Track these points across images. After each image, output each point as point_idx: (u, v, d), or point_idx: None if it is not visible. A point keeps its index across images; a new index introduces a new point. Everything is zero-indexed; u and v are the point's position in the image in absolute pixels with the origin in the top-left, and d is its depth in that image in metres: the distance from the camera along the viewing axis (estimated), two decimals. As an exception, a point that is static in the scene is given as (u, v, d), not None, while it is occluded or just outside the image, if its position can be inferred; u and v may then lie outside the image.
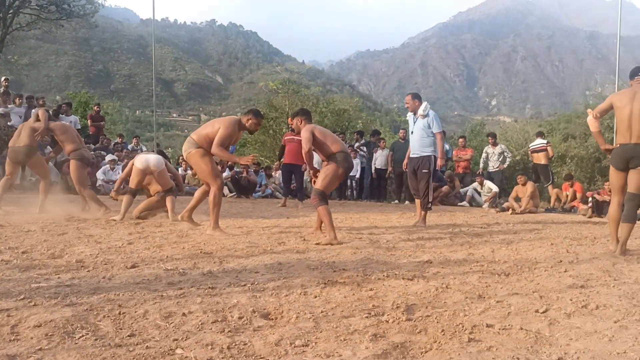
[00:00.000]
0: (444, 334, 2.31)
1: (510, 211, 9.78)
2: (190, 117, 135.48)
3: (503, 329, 2.39)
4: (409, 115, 7.18)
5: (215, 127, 5.48)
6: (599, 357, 2.07)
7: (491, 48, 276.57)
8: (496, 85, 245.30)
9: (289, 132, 10.44)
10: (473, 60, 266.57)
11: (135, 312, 2.52)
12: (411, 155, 7.11)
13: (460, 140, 13.40)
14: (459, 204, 11.74)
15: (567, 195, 11.34)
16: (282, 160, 10.47)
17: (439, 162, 6.98)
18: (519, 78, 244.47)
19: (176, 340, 2.16)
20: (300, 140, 9.24)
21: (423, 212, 6.99)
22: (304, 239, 5.19)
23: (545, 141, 12.03)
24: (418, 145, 6.99)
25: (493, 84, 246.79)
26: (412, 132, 7.08)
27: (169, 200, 6.84)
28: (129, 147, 14.13)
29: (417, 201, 7.15)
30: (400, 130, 13.31)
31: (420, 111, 6.91)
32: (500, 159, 12.21)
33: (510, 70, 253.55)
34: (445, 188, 11.84)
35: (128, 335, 2.20)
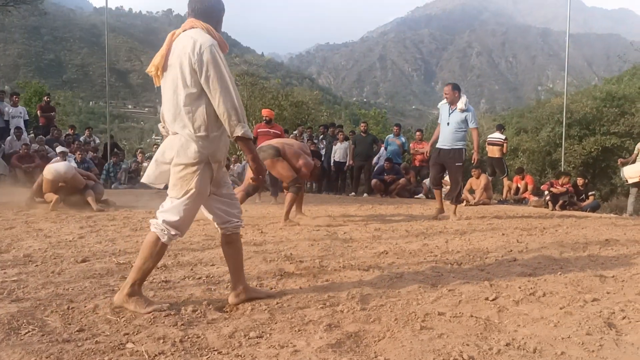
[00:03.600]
0: (397, 323, 2.34)
1: (464, 203, 9.99)
2: (146, 109, 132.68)
3: (454, 317, 2.45)
4: (443, 105, 6.97)
5: None
6: (545, 342, 2.15)
7: (447, 43, 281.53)
8: (452, 79, 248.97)
9: (262, 123, 9.71)
10: (430, 55, 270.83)
11: (85, 306, 2.46)
12: (441, 147, 6.92)
13: (418, 133, 13.57)
14: (416, 196, 11.91)
15: (517, 187, 11.67)
16: None
17: (475, 156, 6.97)
18: (474, 73, 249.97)
19: (127, 334, 2.12)
20: (276, 133, 9.21)
21: (454, 205, 7.05)
22: (262, 232, 5.17)
23: (503, 137, 12.28)
24: (451, 137, 6.81)
25: (449, 79, 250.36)
26: (447, 124, 6.84)
27: (88, 195, 7.02)
28: (81, 138, 13.71)
29: (437, 192, 7.20)
30: (361, 124, 13.35)
31: (461, 104, 6.75)
32: None
33: (465, 66, 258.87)
34: (402, 180, 12.00)
35: (77, 331, 2.14)
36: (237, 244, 2.67)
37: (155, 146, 15.82)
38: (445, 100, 6.93)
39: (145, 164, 12.54)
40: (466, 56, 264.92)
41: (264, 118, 9.67)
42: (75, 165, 7.41)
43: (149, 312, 2.39)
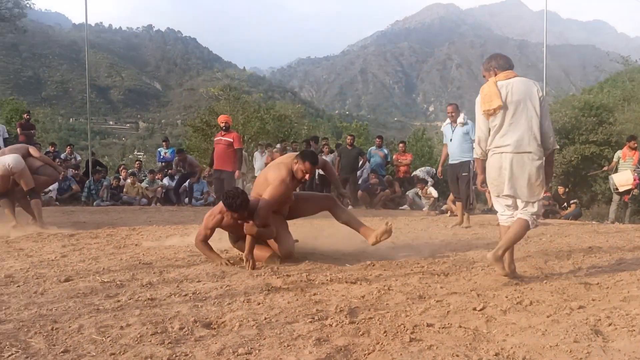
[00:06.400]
0: (386, 335, 2.34)
1: (448, 213, 10.05)
2: (127, 125, 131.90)
3: (443, 328, 2.45)
4: (446, 126, 7.63)
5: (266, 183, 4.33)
6: (533, 351, 2.16)
7: (427, 56, 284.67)
8: (433, 91, 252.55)
9: (220, 132, 8.95)
10: (411, 68, 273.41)
11: (70, 327, 2.41)
12: (451, 162, 7.58)
13: (400, 145, 13.67)
14: (400, 207, 11.96)
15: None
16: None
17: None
18: (455, 85, 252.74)
19: (113, 354, 2.08)
20: (228, 141, 8.57)
21: (467, 213, 7.55)
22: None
23: None
24: (458, 151, 7.41)
25: (430, 91, 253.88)
26: (450, 140, 7.48)
27: (34, 204, 6.42)
28: (62, 156, 13.56)
29: (458, 204, 7.73)
30: (348, 136, 13.38)
31: (460, 119, 7.34)
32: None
33: (446, 78, 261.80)
34: (386, 191, 12.05)
35: (62, 352, 2.10)
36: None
37: (137, 162, 15.68)
38: (447, 121, 7.59)
39: (128, 180, 12.43)
40: (446, 68, 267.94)
41: (221, 126, 8.87)
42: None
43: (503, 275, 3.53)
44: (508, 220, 3.70)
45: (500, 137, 3.56)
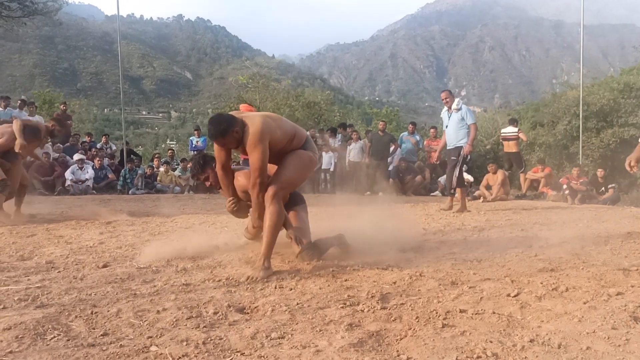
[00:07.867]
0: (418, 321, 2.33)
1: (481, 199, 9.93)
2: (160, 114, 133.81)
3: (476, 314, 2.43)
4: (444, 113, 7.64)
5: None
6: (570, 337, 2.12)
7: (459, 39, 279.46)
8: (465, 75, 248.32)
9: None
10: (442, 52, 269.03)
11: (108, 311, 2.48)
12: (448, 148, 7.58)
13: (432, 130, 13.52)
14: (432, 193, 11.86)
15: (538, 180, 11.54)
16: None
17: (465, 148, 7.38)
18: (487, 68, 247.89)
19: (150, 337, 2.14)
20: None
21: (450, 198, 7.58)
22: (279, 233, 5.16)
23: (516, 129, 12.15)
24: (453, 137, 7.43)
25: (462, 75, 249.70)
26: (446, 127, 7.52)
27: None
28: (98, 145, 13.88)
29: (458, 191, 7.70)
30: (380, 123, 13.32)
31: (454, 105, 7.37)
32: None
33: (478, 61, 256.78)
34: (418, 178, 11.95)
35: (101, 335, 2.17)
36: None
37: (170, 151, 15.94)
38: (445, 109, 7.59)
39: (161, 169, 12.65)
40: (478, 51, 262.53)
41: None
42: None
43: None
44: None
45: None
